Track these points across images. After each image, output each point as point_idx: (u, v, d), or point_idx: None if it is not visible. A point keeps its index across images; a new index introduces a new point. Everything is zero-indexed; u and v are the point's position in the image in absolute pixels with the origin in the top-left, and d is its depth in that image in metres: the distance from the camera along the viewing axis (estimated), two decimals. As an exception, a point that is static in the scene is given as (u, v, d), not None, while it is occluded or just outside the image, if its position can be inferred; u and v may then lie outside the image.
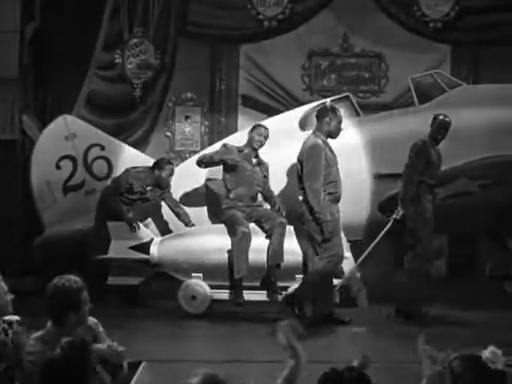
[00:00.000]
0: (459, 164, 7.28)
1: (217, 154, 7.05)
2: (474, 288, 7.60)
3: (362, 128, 7.74)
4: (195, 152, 8.87)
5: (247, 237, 6.64)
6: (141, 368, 4.75)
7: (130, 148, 8.31)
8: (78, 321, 3.53)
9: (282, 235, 6.69)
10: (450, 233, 8.37)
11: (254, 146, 7.00)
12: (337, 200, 6.51)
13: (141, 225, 7.20)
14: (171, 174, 7.42)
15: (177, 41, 9.35)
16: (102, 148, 7.98)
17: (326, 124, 6.45)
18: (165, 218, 7.69)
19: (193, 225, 7.33)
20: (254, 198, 7.00)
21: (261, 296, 6.76)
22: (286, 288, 6.69)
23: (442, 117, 6.85)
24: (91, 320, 3.66)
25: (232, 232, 6.72)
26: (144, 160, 8.03)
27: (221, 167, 7.17)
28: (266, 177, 7.11)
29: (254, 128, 7.08)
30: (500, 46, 9.30)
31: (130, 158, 8.10)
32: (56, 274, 3.59)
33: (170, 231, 7.49)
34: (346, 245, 6.74)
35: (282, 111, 8.86)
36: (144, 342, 5.68)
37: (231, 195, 6.95)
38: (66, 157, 7.90)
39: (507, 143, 7.30)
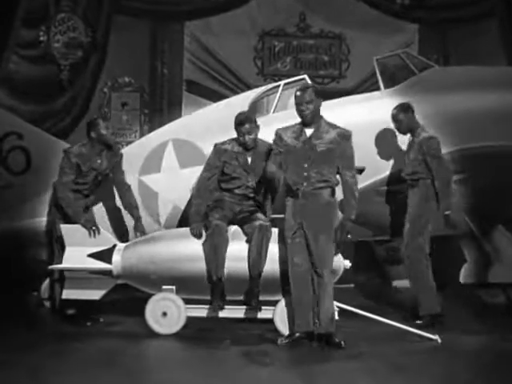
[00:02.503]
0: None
1: (212, 159, 6.04)
2: (447, 296, 6.98)
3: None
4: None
5: (220, 231, 5.71)
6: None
7: (55, 138, 7.60)
8: None
9: (262, 240, 5.74)
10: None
11: (245, 145, 6.03)
12: None
13: (102, 228, 6.31)
14: (108, 128, 6.69)
15: (111, 17, 9.13)
16: (20, 137, 7.27)
17: None
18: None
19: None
20: (243, 199, 6.03)
21: (238, 312, 5.86)
22: (274, 302, 5.73)
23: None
24: None
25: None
26: (73, 152, 7.24)
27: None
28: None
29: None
30: (470, 24, 9.26)
31: (55, 149, 7.25)
32: None
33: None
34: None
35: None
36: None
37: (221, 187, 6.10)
38: (-23, 147, 7.39)
39: (485, 132, 6.74)
